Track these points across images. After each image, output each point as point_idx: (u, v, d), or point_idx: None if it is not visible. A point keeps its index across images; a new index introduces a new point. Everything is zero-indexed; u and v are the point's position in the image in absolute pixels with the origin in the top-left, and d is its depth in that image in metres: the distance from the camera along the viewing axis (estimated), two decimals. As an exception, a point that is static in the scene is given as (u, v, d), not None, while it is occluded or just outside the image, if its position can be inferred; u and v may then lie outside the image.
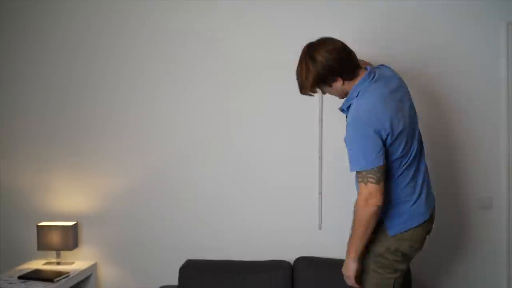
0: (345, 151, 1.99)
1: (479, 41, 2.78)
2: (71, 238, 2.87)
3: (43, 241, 2.86)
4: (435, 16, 2.79)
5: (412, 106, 2.07)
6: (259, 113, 2.91)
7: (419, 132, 2.10)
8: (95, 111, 3.02)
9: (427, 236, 2.12)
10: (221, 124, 2.93)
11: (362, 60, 2.15)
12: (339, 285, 2.52)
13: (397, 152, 1.95)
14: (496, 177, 2.79)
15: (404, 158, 1.98)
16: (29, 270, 2.78)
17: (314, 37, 2.03)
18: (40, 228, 2.88)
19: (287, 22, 2.87)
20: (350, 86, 2.01)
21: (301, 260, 2.75)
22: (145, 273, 2.99)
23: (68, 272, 2.74)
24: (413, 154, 2.01)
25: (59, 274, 2.69)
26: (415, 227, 2.02)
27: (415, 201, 2.02)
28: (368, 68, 2.04)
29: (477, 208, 2.79)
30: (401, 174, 2.00)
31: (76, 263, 2.94)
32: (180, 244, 2.96)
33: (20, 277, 2.65)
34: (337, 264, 2.65)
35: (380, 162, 1.88)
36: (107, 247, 3.02)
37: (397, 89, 2.01)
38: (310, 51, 2.00)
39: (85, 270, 2.85)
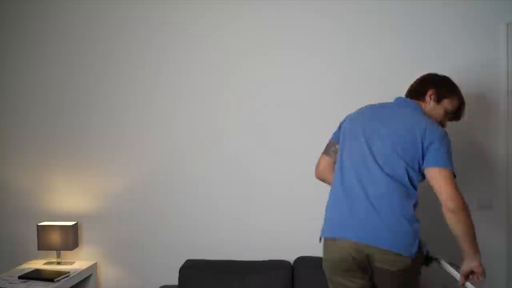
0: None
1: (479, 41, 2.77)
2: (71, 238, 2.88)
3: (44, 241, 2.87)
4: (435, 16, 2.79)
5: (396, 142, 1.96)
6: (259, 114, 2.91)
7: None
8: (95, 112, 3.02)
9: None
10: (222, 124, 2.94)
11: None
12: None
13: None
14: (495, 177, 2.79)
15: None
16: (29, 270, 2.78)
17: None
18: (40, 228, 2.88)
19: (288, 19, 2.87)
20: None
21: (301, 260, 2.75)
22: (145, 273, 2.99)
23: (69, 272, 2.74)
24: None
25: (60, 274, 2.69)
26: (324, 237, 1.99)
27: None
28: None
29: (477, 208, 2.79)
30: None
31: (76, 263, 2.94)
32: (180, 244, 2.96)
33: (20, 277, 2.65)
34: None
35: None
36: (107, 247, 3.02)
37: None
38: None
39: (85, 270, 2.85)
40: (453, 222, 1.87)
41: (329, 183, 2.21)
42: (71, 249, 2.89)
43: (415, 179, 1.95)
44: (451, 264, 2.08)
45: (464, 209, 1.87)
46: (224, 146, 2.93)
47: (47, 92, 3.06)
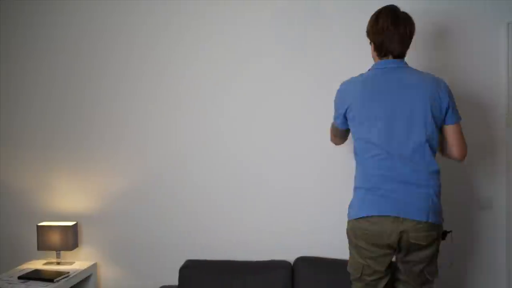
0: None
1: (479, 41, 2.77)
2: (71, 238, 2.88)
3: (43, 241, 2.86)
4: (435, 15, 2.78)
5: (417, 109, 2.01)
6: (259, 114, 2.91)
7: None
8: (95, 112, 3.02)
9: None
10: (221, 124, 2.93)
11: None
12: (339, 285, 2.52)
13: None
14: (495, 177, 2.78)
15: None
16: (29, 270, 2.78)
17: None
18: (40, 228, 2.88)
19: (292, 22, 2.87)
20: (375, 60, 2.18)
21: (301, 260, 2.75)
22: (145, 273, 2.99)
23: (68, 272, 2.74)
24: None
25: (59, 274, 2.69)
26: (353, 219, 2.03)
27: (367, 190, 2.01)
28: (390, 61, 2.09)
29: (477, 208, 2.79)
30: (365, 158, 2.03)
31: (76, 263, 2.94)
32: (180, 244, 2.96)
33: (20, 277, 2.65)
34: (337, 264, 2.67)
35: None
36: (107, 247, 3.02)
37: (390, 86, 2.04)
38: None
39: (85, 270, 2.85)
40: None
41: None
42: (71, 249, 2.88)
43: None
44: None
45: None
46: (224, 146, 2.93)
47: (48, 92, 3.06)
